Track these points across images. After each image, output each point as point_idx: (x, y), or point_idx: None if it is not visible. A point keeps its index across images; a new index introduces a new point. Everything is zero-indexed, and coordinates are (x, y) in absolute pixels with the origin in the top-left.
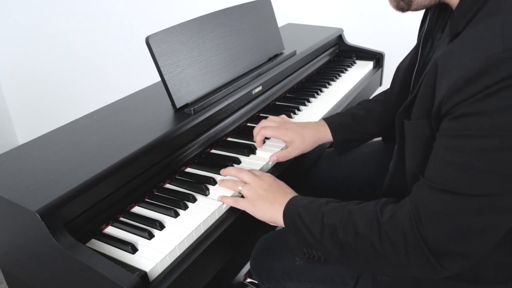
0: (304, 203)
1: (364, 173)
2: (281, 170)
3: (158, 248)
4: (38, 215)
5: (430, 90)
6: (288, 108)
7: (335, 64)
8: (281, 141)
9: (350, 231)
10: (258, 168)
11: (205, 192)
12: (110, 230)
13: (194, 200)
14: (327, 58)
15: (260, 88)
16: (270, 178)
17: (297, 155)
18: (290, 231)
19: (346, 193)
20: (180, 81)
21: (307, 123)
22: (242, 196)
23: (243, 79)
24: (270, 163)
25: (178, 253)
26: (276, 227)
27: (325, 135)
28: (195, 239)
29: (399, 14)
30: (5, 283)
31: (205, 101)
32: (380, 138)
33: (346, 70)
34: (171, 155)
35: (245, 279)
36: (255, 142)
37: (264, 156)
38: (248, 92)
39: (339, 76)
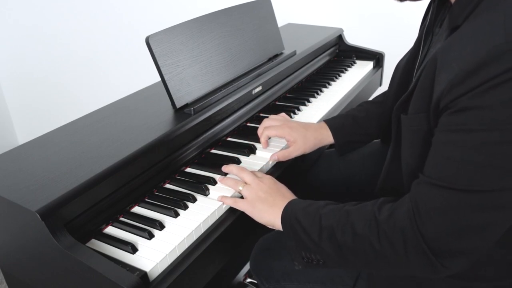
0: (302, 206)
1: (363, 174)
2: (281, 170)
3: (158, 248)
4: (38, 215)
5: (428, 84)
6: (288, 108)
7: (335, 64)
8: (281, 140)
9: (348, 232)
10: (258, 168)
11: (205, 192)
12: (110, 230)
13: (194, 200)
14: (327, 58)
15: (260, 88)
16: (270, 180)
17: (298, 155)
18: (288, 234)
19: (345, 194)
20: (180, 81)
21: (310, 124)
22: (242, 197)
23: (243, 79)
24: (270, 163)
25: (178, 253)
26: None
27: (327, 138)
28: (195, 239)
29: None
30: (5, 283)
31: (205, 101)
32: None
33: (346, 70)
34: (171, 155)
35: (245, 279)
36: (259, 143)
37: (264, 156)
38: (248, 92)
39: (339, 76)
